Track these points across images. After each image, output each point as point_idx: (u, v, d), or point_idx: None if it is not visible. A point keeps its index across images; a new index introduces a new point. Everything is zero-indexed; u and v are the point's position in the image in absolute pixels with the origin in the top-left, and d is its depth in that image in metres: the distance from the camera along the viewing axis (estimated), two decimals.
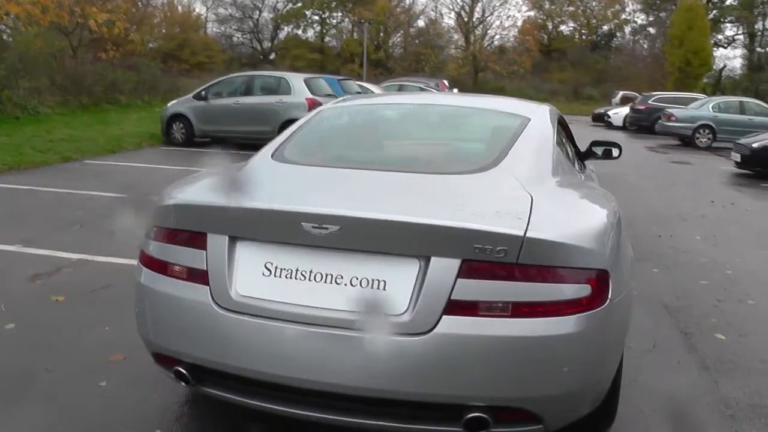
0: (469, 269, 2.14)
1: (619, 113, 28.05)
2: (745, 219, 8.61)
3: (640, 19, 59.97)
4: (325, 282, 2.24)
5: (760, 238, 7.43)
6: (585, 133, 14.87)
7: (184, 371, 2.42)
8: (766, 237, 7.60)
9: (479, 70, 49.37)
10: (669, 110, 20.79)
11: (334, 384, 2.23)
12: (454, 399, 2.19)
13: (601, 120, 29.33)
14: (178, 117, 13.56)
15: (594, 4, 58.76)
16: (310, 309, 2.22)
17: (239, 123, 13.17)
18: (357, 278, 2.22)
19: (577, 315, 2.18)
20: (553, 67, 54.72)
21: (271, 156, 2.97)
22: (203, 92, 13.68)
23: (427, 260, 2.17)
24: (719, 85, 48.24)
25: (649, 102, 24.63)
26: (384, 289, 2.19)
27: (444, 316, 2.13)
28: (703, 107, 19.90)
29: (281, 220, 2.30)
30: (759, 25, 53.22)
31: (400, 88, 25.10)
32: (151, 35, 37.00)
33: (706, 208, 9.13)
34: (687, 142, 19.16)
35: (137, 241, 2.72)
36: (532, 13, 56.13)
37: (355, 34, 52.32)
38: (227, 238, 2.34)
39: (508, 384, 2.19)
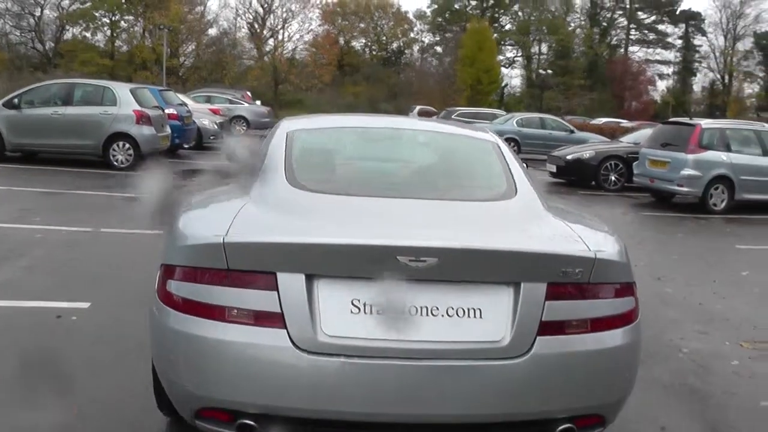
0: (554, 292, 2.30)
1: None
2: None
3: (428, 38, 64.31)
4: (421, 315, 2.23)
5: None
6: None
7: (251, 423, 2.25)
8: None
9: (279, 82, 49.39)
10: (477, 125, 22.46)
11: (436, 415, 2.26)
12: (547, 414, 2.34)
13: None
14: None
15: (384, 22, 61.65)
16: (409, 343, 2.21)
17: (60, 136, 11.93)
18: (453, 308, 2.25)
19: (631, 325, 2.47)
20: (347, 81, 56.45)
21: (289, 184, 2.80)
22: (15, 100, 12.18)
23: (517, 286, 2.28)
24: (503, 101, 52.99)
25: (452, 117, 26.34)
26: (480, 316, 2.26)
27: (538, 338, 2.27)
28: (508, 122, 21.83)
29: (373, 255, 2.24)
30: (535, 49, 60.00)
31: (209, 99, 24.37)
32: None
33: None
34: None
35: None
36: (326, 28, 57.31)
37: (147, 39, 49.78)
38: (303, 276, 2.22)
39: (590, 393, 2.40)
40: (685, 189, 11.14)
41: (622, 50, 63.58)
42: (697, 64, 62.77)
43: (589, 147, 15.02)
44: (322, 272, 2.24)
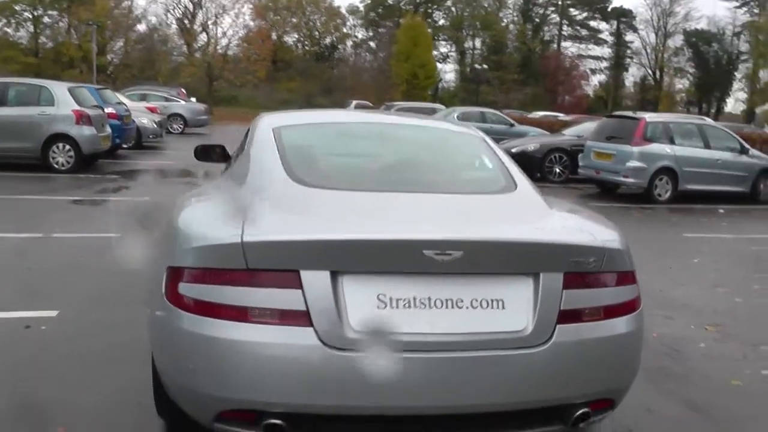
0: (570, 281, 2.36)
1: None
2: None
3: (361, 33, 64.43)
4: (446, 307, 2.25)
5: None
6: None
7: (280, 422, 2.21)
8: None
9: (214, 79, 48.40)
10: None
11: (464, 406, 2.28)
12: (566, 400, 2.40)
13: None
14: None
15: (316, 17, 61.33)
16: (436, 336, 2.23)
17: None
18: (477, 300, 2.27)
19: (637, 311, 2.57)
20: (281, 76, 55.93)
21: (292, 181, 2.75)
22: None
23: (536, 276, 2.33)
24: (437, 95, 53.50)
25: (392, 111, 26.40)
26: (503, 307, 2.29)
27: (557, 326, 2.32)
28: (449, 117, 21.89)
29: (399, 250, 2.25)
30: (468, 44, 60.94)
31: (144, 97, 23.72)
32: None
33: None
34: None
35: None
36: (258, 22, 56.46)
37: (73, 36, 47.89)
38: (328, 273, 2.19)
39: (604, 378, 2.48)
40: (630, 180, 11.53)
41: (555, 46, 65.27)
42: (629, 59, 65.24)
43: (534, 140, 15.34)
44: (348, 268, 2.22)
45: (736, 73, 60.56)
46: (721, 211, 11.36)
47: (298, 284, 2.18)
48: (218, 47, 52.10)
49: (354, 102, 40.09)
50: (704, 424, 3.45)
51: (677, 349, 4.41)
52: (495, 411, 2.34)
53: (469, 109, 23.53)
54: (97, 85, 18.99)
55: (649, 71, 63.46)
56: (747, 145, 12.35)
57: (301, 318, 2.18)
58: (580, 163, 12.70)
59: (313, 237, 2.27)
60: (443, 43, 63.88)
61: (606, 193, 12.60)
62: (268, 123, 3.44)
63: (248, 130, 3.93)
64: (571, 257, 2.38)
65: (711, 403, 3.65)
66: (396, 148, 3.53)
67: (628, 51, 64.69)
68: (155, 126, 18.03)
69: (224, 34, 52.87)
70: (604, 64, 66.01)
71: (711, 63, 60.36)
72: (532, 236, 2.46)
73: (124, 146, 15.34)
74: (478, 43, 63.41)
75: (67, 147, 11.63)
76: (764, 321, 5.26)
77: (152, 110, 19.71)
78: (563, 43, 65.84)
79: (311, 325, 2.17)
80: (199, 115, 26.27)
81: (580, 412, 2.39)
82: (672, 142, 11.66)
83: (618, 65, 64.66)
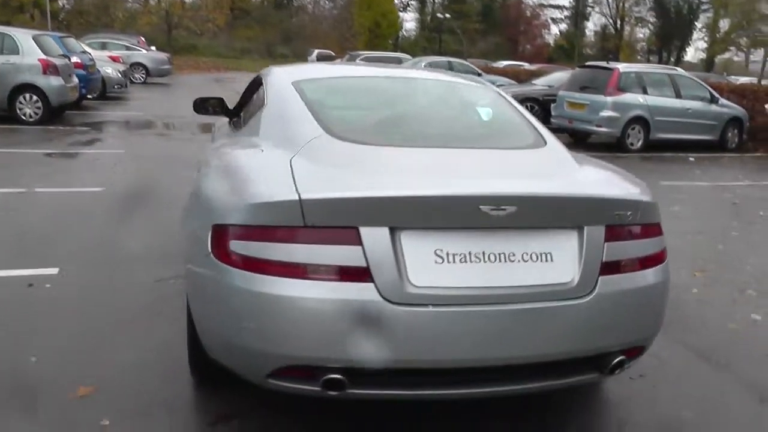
0: (611, 233, 2.46)
1: None
2: None
3: None
4: (500, 261, 2.30)
5: None
6: None
7: (340, 377, 2.24)
8: None
9: (173, 27, 46.90)
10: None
11: (518, 357, 2.36)
12: (606, 349, 2.50)
13: None
14: None
15: None
16: (491, 289, 2.29)
17: None
18: (527, 254, 2.34)
19: (665, 262, 2.69)
20: (239, 24, 54.64)
21: (332, 137, 2.72)
22: None
23: (581, 229, 2.41)
24: (398, 44, 52.91)
25: (358, 61, 26.11)
26: (551, 260, 2.36)
27: (600, 278, 2.41)
28: (417, 65, 21.73)
29: (458, 205, 2.28)
30: None
31: (104, 46, 22.96)
32: None
33: None
34: None
35: None
36: None
37: None
38: (388, 229, 2.21)
39: (638, 326, 2.60)
40: (604, 129, 11.74)
41: None
42: (590, 9, 65.09)
43: (506, 90, 15.32)
44: (406, 224, 2.25)
45: (696, 23, 61.09)
46: (692, 159, 11.65)
47: (358, 240, 2.19)
48: None
49: (316, 51, 39.37)
50: (709, 369, 3.59)
51: (671, 296, 4.56)
52: (547, 361, 2.42)
53: (436, 59, 23.27)
54: (54, 32, 18.29)
55: (610, 20, 63.62)
56: (717, 95, 12.60)
57: (361, 274, 2.19)
58: (553, 113, 12.81)
59: (374, 194, 2.27)
60: None
61: (578, 143, 12.74)
62: (284, 77, 3.38)
63: (255, 83, 3.87)
64: (612, 210, 2.47)
65: (712, 348, 3.80)
66: (420, 103, 3.53)
67: (589, 0, 64.65)
68: (119, 76, 17.54)
69: None
70: (565, 13, 66.07)
71: (672, 12, 60.65)
72: (579, 191, 2.54)
73: (89, 97, 14.97)
74: None
75: (35, 98, 11.30)
76: (746, 266, 5.48)
77: (115, 59, 19.16)
78: None
79: (372, 280, 2.19)
80: (161, 64, 25.62)
81: (617, 360, 2.49)
82: (644, 91, 11.87)
83: (579, 14, 64.59)
